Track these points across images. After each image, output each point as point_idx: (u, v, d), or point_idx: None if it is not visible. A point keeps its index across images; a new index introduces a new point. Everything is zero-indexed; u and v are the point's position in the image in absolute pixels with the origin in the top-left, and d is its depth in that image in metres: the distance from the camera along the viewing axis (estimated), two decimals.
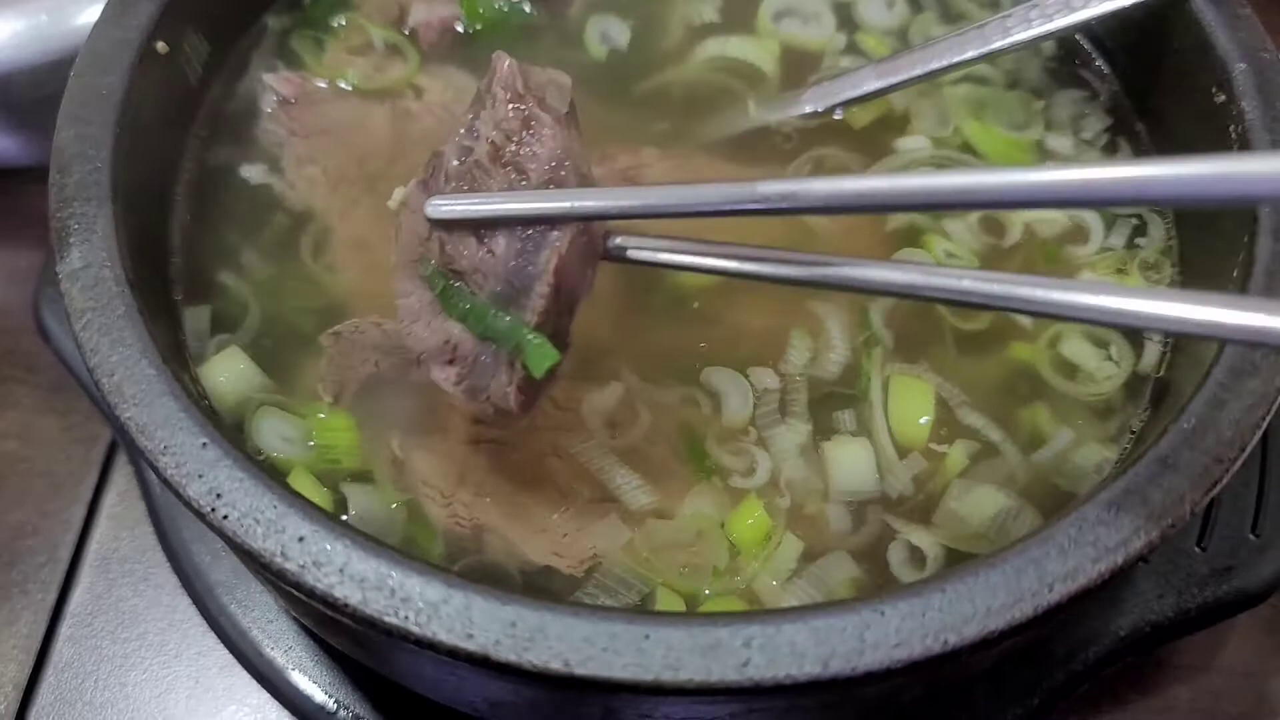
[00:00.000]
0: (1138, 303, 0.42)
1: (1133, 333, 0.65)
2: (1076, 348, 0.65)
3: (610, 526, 0.59)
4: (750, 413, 0.63)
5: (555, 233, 0.52)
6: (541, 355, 0.52)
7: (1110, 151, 0.73)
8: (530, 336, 0.52)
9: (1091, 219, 0.69)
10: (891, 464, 0.61)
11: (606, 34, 0.78)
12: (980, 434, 0.62)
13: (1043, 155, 0.73)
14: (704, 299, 0.66)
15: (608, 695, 0.47)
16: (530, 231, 0.52)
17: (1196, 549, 0.68)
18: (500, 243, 0.53)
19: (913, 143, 0.72)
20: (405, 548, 0.52)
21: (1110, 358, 0.65)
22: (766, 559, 0.58)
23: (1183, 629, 0.67)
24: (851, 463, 0.61)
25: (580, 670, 0.44)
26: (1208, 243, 0.64)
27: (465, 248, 0.54)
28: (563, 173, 0.52)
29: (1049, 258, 0.68)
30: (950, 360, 0.64)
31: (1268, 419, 0.51)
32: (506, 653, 0.45)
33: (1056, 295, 0.44)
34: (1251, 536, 0.69)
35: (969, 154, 0.73)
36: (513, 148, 0.53)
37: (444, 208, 0.54)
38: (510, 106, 0.53)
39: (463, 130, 0.54)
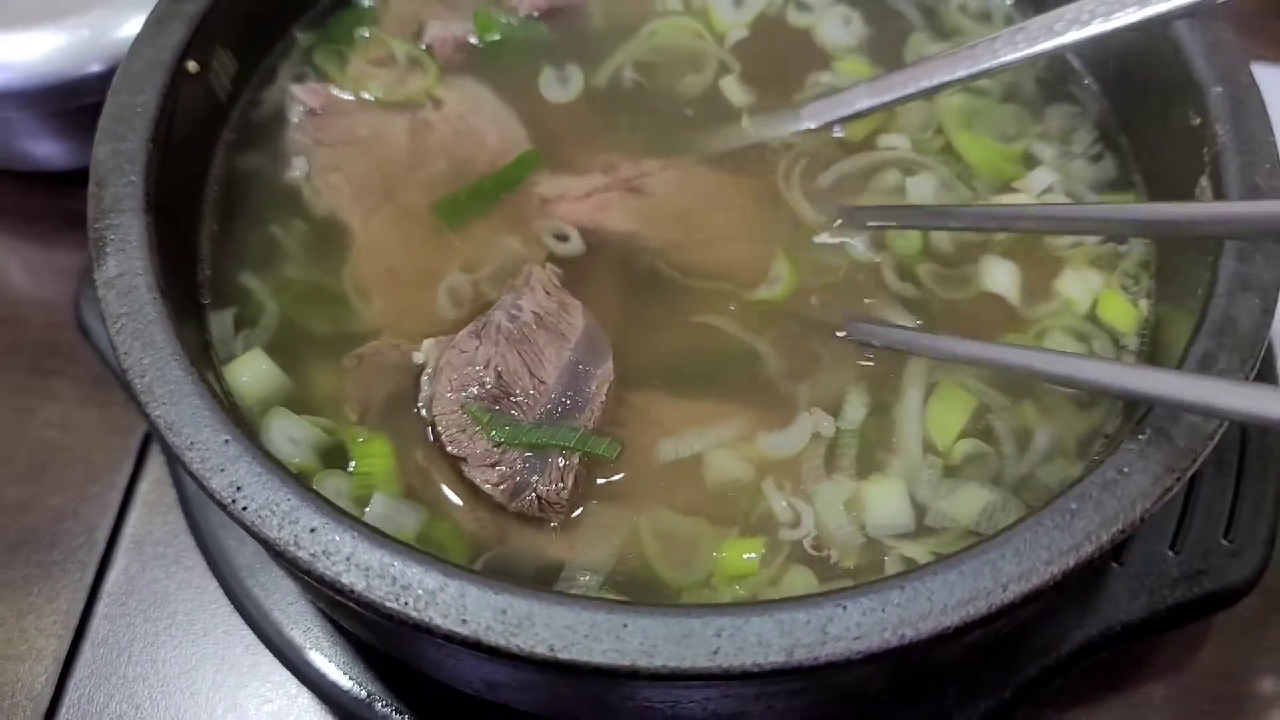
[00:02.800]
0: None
1: (1112, 332, 0.69)
2: (1060, 342, 0.69)
3: (618, 520, 0.63)
4: (799, 451, 0.65)
5: (604, 367, 0.66)
6: (611, 445, 0.63)
7: (1095, 162, 0.76)
8: (593, 435, 0.64)
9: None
10: (928, 482, 0.63)
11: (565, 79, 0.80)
12: (990, 434, 0.65)
13: (1029, 165, 0.76)
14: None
15: (590, 678, 0.51)
16: (581, 367, 0.65)
17: (1170, 552, 0.71)
18: (550, 376, 0.65)
19: (892, 140, 0.76)
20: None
21: (1093, 351, 0.68)
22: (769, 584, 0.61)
23: (1154, 629, 0.70)
24: (888, 503, 0.62)
25: (563, 655, 0.48)
26: (1181, 259, 0.66)
27: (520, 379, 0.64)
28: (596, 340, 0.67)
29: (1028, 247, 0.72)
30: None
31: (1219, 432, 0.54)
32: (496, 637, 0.49)
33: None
34: (1224, 542, 0.71)
35: (949, 158, 0.76)
36: (553, 319, 0.67)
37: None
38: (547, 295, 0.68)
39: (509, 300, 0.67)
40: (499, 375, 0.64)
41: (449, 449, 0.63)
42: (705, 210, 0.75)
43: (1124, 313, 0.69)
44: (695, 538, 0.62)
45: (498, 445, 0.62)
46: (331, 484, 0.62)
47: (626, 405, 0.66)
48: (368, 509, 0.61)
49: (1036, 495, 0.63)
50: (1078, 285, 0.70)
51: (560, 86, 0.80)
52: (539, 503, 0.62)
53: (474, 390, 0.64)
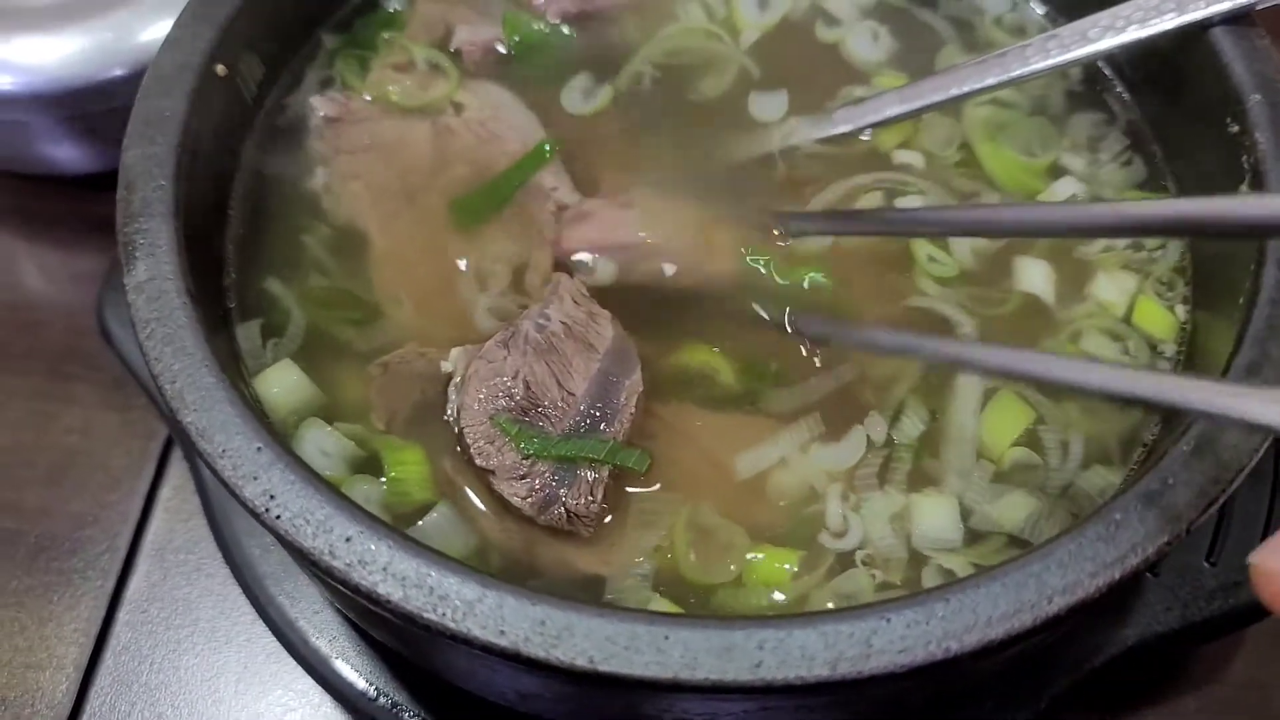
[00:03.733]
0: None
1: (1149, 339, 0.68)
2: (1097, 342, 0.68)
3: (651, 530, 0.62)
4: (854, 464, 0.64)
5: (633, 377, 0.65)
6: (641, 458, 0.63)
7: (1125, 165, 0.75)
8: (623, 448, 0.63)
9: None
10: (976, 486, 0.63)
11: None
12: (1037, 442, 0.65)
13: (1056, 176, 0.75)
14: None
15: (629, 691, 0.50)
16: (610, 378, 0.65)
17: (1206, 564, 0.70)
18: (579, 387, 0.64)
19: (907, 156, 0.75)
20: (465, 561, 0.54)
21: (1127, 352, 0.68)
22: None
23: (1188, 640, 0.69)
24: (938, 518, 0.62)
25: (604, 667, 0.48)
26: (1219, 266, 0.66)
27: (548, 390, 0.64)
28: (625, 350, 0.66)
29: (1061, 254, 0.71)
30: None
31: (1265, 444, 0.53)
32: (535, 649, 0.48)
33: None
34: None
35: (969, 171, 0.75)
36: (581, 329, 0.66)
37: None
38: (575, 304, 0.67)
39: (537, 312, 0.66)
40: (527, 386, 0.64)
41: (477, 461, 0.62)
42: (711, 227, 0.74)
43: (1161, 320, 0.68)
44: (729, 544, 0.61)
45: (526, 458, 0.62)
46: (361, 490, 0.62)
47: (655, 417, 0.66)
48: (428, 516, 0.61)
49: (1077, 503, 0.62)
50: (1112, 288, 0.70)
51: (585, 95, 0.79)
52: (568, 516, 0.61)
53: (502, 401, 0.63)
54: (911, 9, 0.83)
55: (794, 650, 0.48)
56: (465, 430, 0.63)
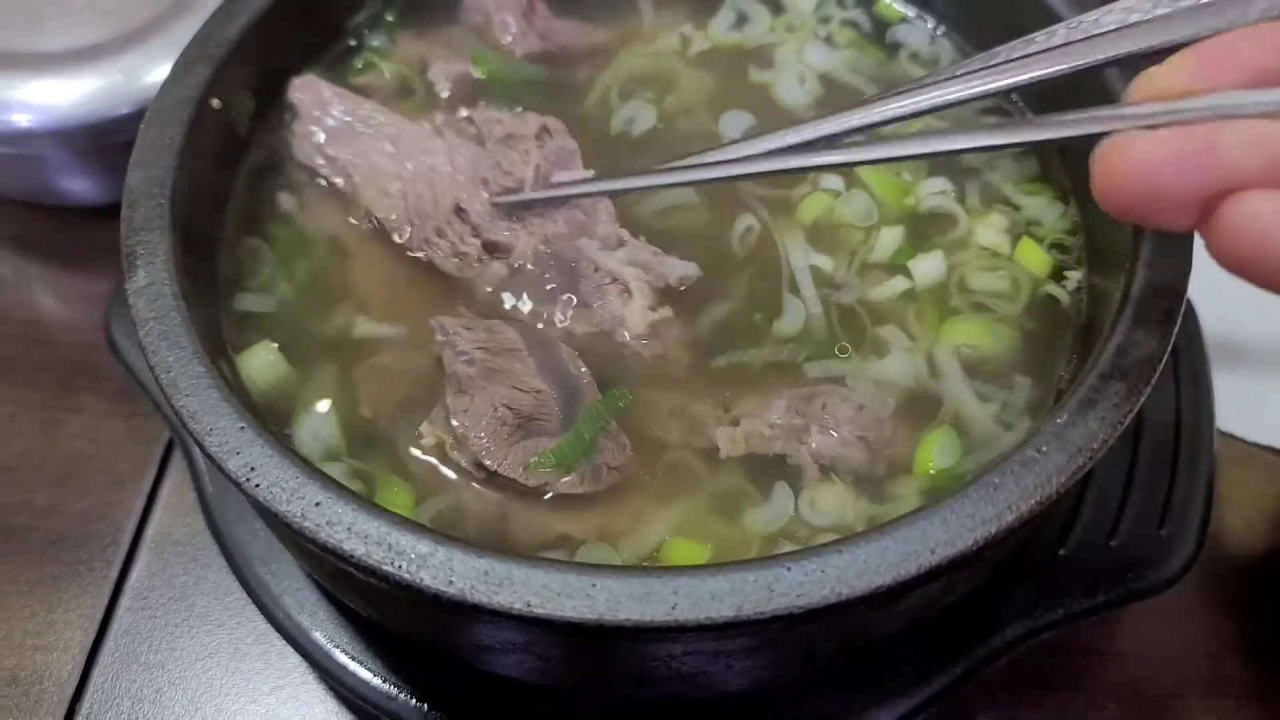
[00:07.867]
0: None
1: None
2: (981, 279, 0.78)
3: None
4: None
5: (563, 347, 0.73)
6: (623, 396, 0.72)
7: (1019, 160, 0.83)
8: (604, 399, 0.71)
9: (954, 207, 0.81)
10: None
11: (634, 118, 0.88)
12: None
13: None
14: None
15: (564, 637, 0.57)
16: (549, 361, 0.72)
17: (1109, 542, 0.77)
18: (539, 383, 0.71)
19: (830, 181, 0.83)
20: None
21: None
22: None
23: (1093, 612, 0.75)
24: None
25: (539, 610, 0.54)
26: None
27: (525, 399, 0.70)
28: (539, 338, 0.73)
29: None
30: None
31: (1128, 419, 0.60)
32: (480, 596, 0.54)
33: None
34: (1159, 532, 0.77)
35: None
36: (495, 345, 0.72)
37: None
38: (469, 330, 0.72)
39: (450, 354, 0.71)
40: (509, 408, 0.69)
41: (530, 483, 0.68)
42: None
43: (1039, 259, 0.77)
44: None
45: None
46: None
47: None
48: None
49: None
50: (991, 233, 0.79)
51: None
52: (617, 471, 0.69)
53: (504, 431, 0.69)
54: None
55: (705, 594, 0.54)
56: (517, 479, 0.68)
